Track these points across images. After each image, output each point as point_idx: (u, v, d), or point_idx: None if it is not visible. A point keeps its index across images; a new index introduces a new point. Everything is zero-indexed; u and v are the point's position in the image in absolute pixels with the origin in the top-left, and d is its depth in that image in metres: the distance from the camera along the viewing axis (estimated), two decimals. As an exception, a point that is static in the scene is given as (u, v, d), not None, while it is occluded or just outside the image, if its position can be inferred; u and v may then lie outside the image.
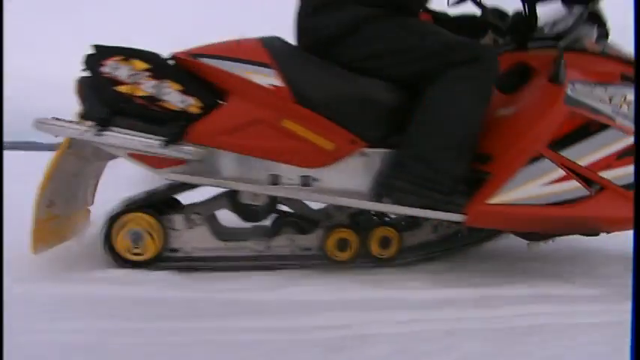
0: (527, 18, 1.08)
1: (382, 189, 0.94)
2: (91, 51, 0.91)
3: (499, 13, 1.16)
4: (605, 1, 1.05)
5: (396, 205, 0.94)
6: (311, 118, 0.93)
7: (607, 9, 1.08)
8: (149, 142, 0.87)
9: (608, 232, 1.03)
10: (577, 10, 1.04)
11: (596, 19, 1.06)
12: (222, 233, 1.05)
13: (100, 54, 0.90)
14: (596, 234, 1.03)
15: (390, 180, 0.93)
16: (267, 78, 0.91)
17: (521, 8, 1.08)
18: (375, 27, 0.94)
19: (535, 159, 0.91)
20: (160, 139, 0.87)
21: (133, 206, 0.98)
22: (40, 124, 0.89)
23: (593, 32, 1.06)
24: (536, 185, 0.91)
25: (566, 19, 1.07)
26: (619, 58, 1.02)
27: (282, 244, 1.05)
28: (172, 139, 0.87)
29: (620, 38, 1.05)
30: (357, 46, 0.95)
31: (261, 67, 0.91)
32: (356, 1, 0.94)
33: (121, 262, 0.95)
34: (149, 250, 0.95)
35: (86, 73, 0.90)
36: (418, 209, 0.93)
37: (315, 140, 0.94)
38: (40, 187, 0.89)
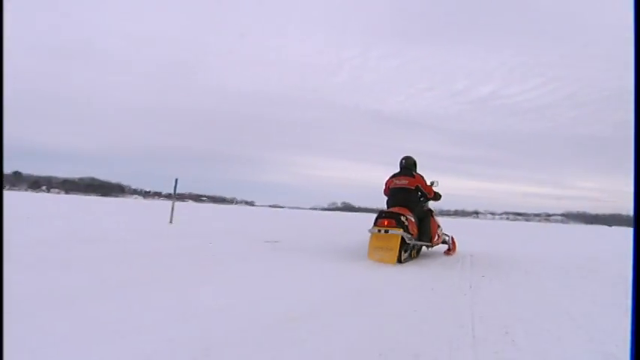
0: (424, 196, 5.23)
1: (420, 240, 4.71)
2: (390, 213, 4.12)
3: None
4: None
5: (422, 242, 4.72)
6: (417, 226, 4.57)
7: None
8: (413, 239, 4.20)
9: (435, 246, 5.32)
10: (428, 200, 5.31)
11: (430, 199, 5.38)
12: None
13: (398, 214, 4.13)
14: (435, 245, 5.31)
15: (421, 238, 4.72)
16: (412, 218, 4.47)
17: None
18: (428, 214, 4.79)
19: (435, 231, 5.02)
20: (412, 236, 4.23)
21: (404, 248, 4.16)
22: (393, 232, 3.99)
23: (429, 203, 5.38)
24: (439, 236, 5.03)
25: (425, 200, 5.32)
26: (431, 209, 5.35)
27: (406, 255, 4.51)
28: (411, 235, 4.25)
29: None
30: (421, 213, 4.73)
31: (412, 216, 4.46)
32: (424, 205, 4.76)
33: (398, 262, 4.11)
34: (404, 259, 4.19)
35: (397, 218, 4.09)
36: (426, 244, 4.78)
37: (416, 231, 4.58)
38: (397, 246, 3.97)
